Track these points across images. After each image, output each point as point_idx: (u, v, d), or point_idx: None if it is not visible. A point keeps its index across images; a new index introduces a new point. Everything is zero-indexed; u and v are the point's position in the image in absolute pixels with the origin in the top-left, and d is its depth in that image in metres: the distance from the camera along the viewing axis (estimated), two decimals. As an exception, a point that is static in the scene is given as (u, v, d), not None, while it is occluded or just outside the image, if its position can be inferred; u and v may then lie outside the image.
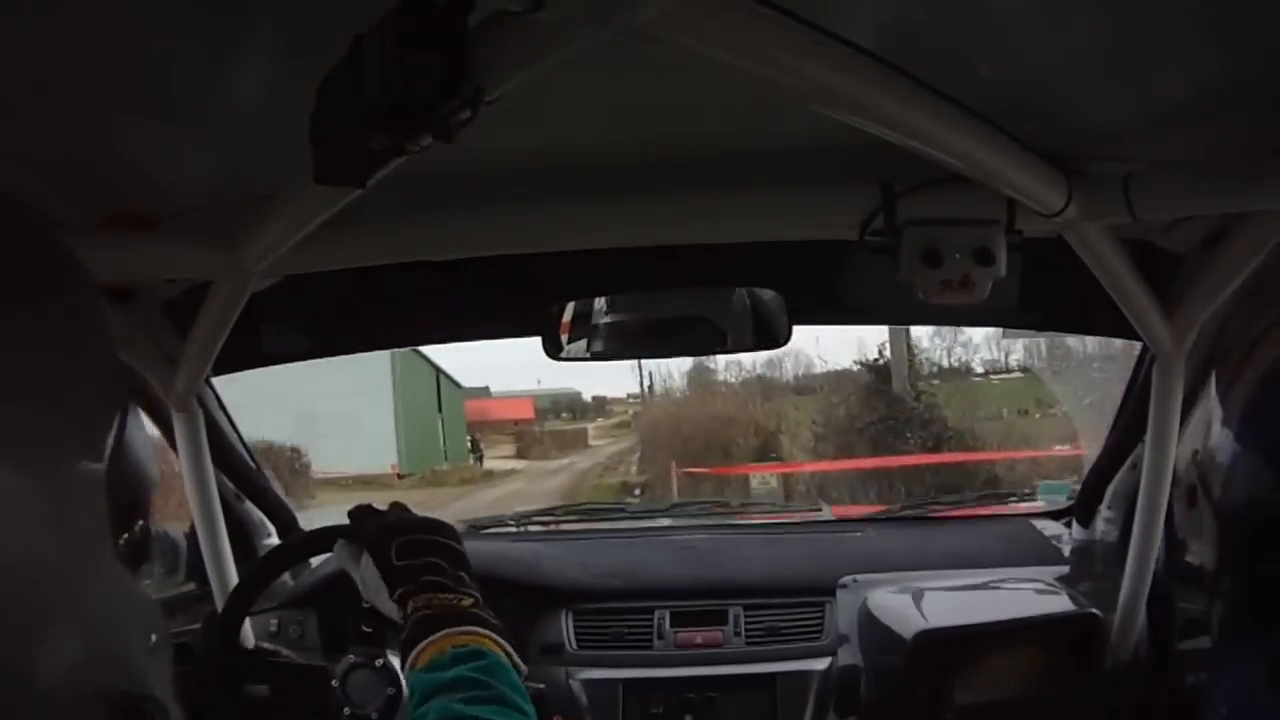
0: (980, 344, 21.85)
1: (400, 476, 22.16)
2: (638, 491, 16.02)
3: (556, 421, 34.17)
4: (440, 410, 27.17)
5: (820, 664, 2.02)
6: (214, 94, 1.14)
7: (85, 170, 1.33)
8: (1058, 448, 10.92)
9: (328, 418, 18.59)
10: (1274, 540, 0.66)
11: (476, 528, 2.66)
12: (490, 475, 24.74)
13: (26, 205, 0.68)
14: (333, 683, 1.71)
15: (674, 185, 1.49)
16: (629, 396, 33.21)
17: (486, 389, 32.42)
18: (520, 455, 28.58)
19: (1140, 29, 1.04)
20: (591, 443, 30.72)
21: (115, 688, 0.61)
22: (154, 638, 0.66)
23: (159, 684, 0.65)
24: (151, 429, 0.74)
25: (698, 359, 20.83)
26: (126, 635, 0.64)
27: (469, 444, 28.37)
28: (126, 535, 0.68)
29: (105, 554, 0.63)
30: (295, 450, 16.30)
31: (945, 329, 18.98)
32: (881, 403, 13.57)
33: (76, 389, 0.64)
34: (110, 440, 0.64)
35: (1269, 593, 0.66)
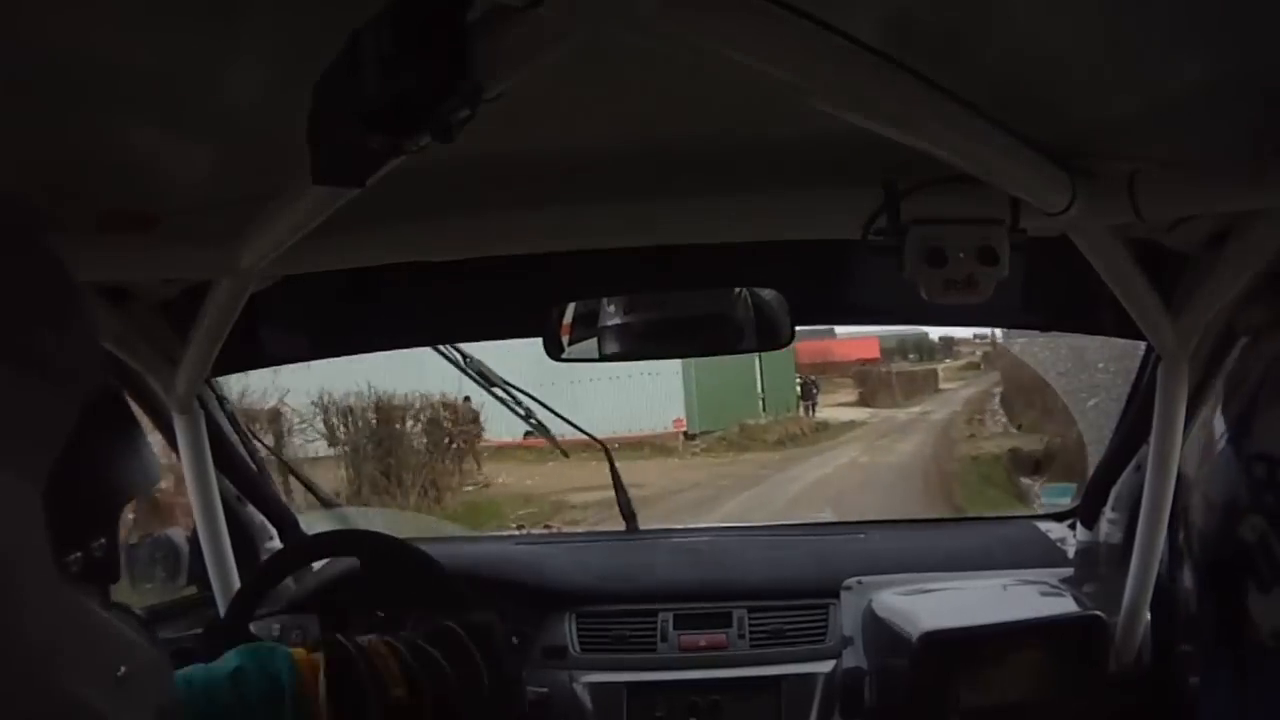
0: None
1: (690, 436, 19.09)
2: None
3: (903, 363, 32.57)
4: (760, 361, 22.83)
5: (825, 666, 2.02)
6: (212, 94, 1.13)
7: (83, 170, 1.33)
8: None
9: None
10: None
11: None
12: (824, 430, 21.60)
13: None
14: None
15: (675, 185, 1.48)
16: (975, 337, 32.48)
17: (830, 329, 28.13)
18: (864, 402, 25.97)
19: (1145, 26, 1.03)
20: (942, 385, 29.44)
21: (54, 714, 0.55)
22: (123, 669, 0.61)
23: (128, 715, 0.60)
24: (127, 439, 0.68)
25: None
26: (77, 667, 0.58)
27: (799, 390, 24.81)
28: (80, 554, 0.62)
29: (38, 575, 0.57)
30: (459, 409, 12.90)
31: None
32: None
33: (13, 406, 0.58)
34: (54, 450, 0.59)
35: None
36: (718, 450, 17.93)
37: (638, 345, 1.97)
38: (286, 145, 1.03)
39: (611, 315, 1.92)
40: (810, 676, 2.01)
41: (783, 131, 1.35)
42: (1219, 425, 0.73)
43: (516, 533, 3.02)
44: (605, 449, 2.86)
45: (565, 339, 1.92)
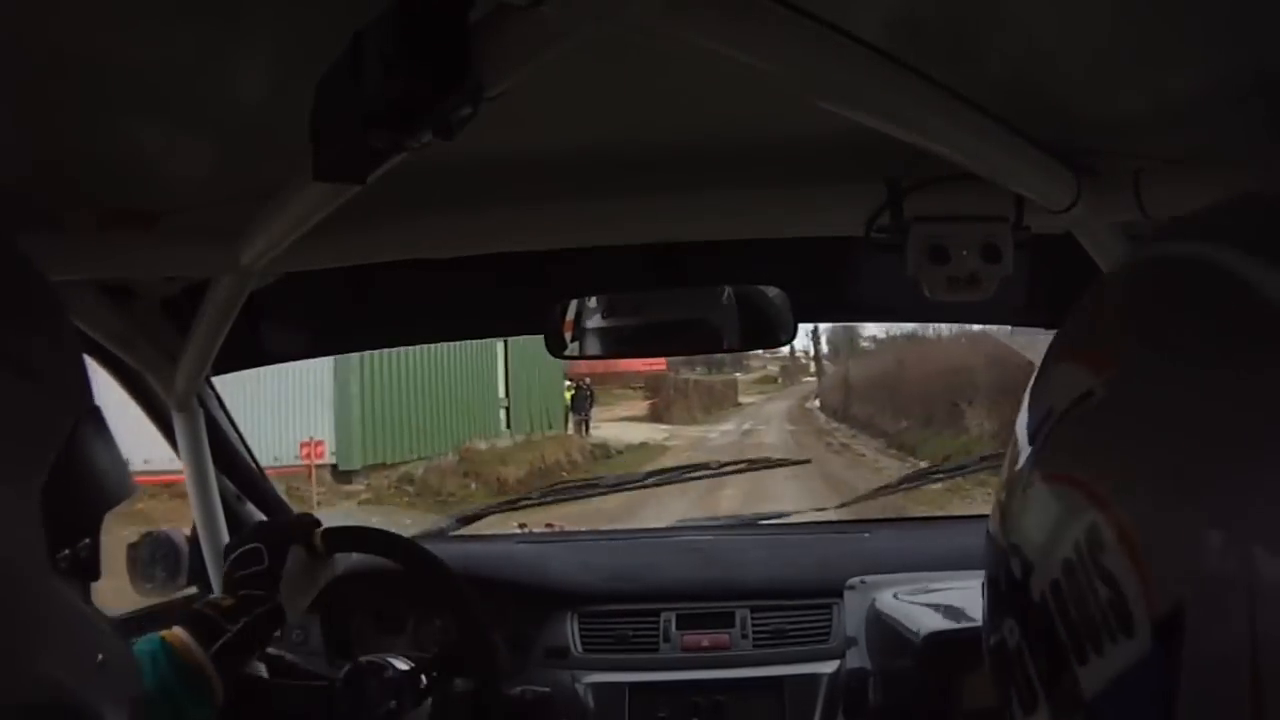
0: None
1: (342, 474, 13.25)
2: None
3: (690, 373, 28.59)
4: (506, 353, 17.50)
5: (828, 667, 2.01)
6: (213, 91, 1.13)
7: (83, 167, 1.33)
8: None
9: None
10: None
11: (466, 520, 2.62)
12: (602, 455, 16.65)
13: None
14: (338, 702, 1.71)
15: (677, 182, 1.48)
16: (765, 352, 31.81)
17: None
18: (656, 417, 21.99)
19: (1150, 24, 1.02)
20: (741, 399, 28.99)
21: (48, 703, 0.60)
22: (101, 657, 0.65)
23: (106, 704, 0.64)
24: (113, 439, 0.72)
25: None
26: (58, 652, 0.62)
27: (568, 399, 20.15)
28: (68, 552, 0.67)
29: (36, 571, 0.62)
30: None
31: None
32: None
33: (17, 403, 0.62)
34: (50, 455, 0.63)
35: None
36: (391, 499, 11.97)
37: (639, 342, 1.97)
38: (288, 143, 1.03)
39: (613, 313, 1.92)
40: (813, 677, 2.00)
41: (785, 128, 1.35)
42: None
43: (518, 531, 3.00)
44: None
45: (567, 335, 1.92)
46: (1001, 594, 0.59)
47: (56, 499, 0.63)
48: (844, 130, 1.15)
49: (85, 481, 0.68)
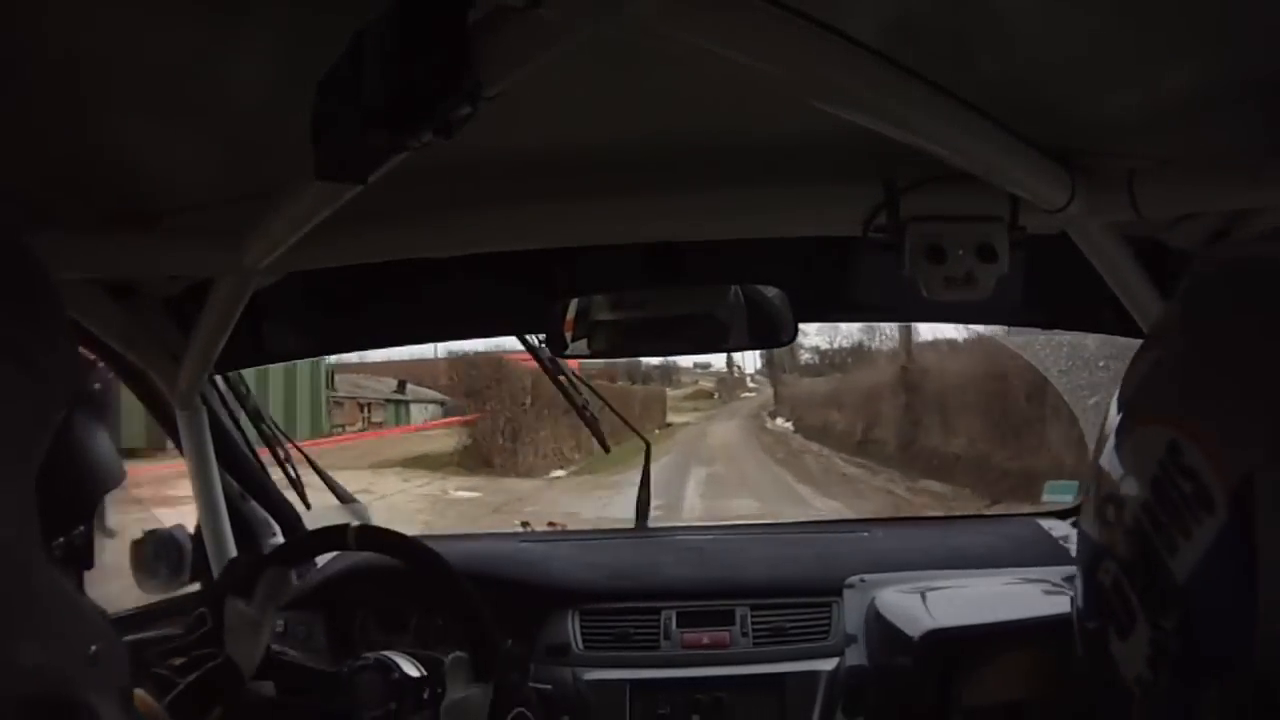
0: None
1: None
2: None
3: (605, 382, 22.02)
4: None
5: (828, 664, 2.01)
6: (215, 91, 1.14)
7: (87, 167, 1.34)
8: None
9: None
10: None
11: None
12: None
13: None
14: (342, 697, 1.72)
15: (676, 182, 1.48)
16: (695, 365, 30.11)
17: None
18: (483, 461, 15.83)
19: (1144, 24, 1.03)
20: (671, 418, 25.67)
21: (34, 692, 0.60)
22: (94, 647, 0.65)
23: (97, 694, 0.64)
24: (104, 439, 0.73)
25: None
26: (54, 640, 0.63)
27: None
28: (63, 539, 0.67)
29: (30, 558, 0.62)
30: None
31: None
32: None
33: (12, 390, 0.62)
34: (44, 444, 0.63)
35: None
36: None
37: (633, 342, 1.98)
38: (290, 143, 1.04)
39: (613, 312, 1.92)
40: (813, 674, 2.00)
41: (783, 129, 1.36)
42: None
43: (520, 530, 3.01)
44: (646, 444, 2.90)
45: (568, 335, 1.92)
46: (1097, 548, 0.69)
47: (51, 488, 0.63)
48: (841, 131, 1.16)
49: (79, 470, 0.68)
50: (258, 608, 1.70)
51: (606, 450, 2.86)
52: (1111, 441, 0.69)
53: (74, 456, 0.67)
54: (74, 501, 0.70)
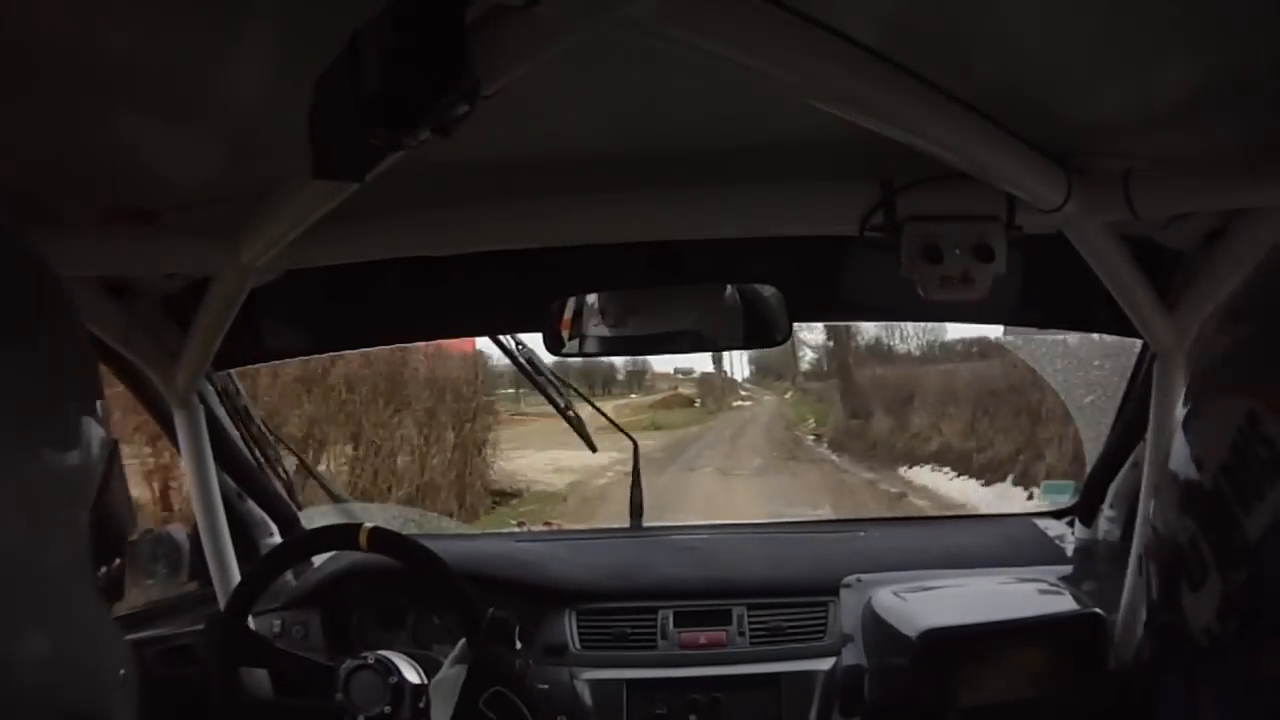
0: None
1: None
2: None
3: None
4: None
5: (824, 664, 2.02)
6: (213, 89, 1.14)
7: (85, 165, 1.34)
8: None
9: None
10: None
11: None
12: None
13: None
14: (337, 695, 1.72)
15: (674, 181, 1.49)
16: (676, 371, 24.15)
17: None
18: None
19: (1140, 25, 1.04)
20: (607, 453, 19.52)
21: (79, 710, 0.63)
22: (122, 672, 0.69)
23: (124, 712, 0.68)
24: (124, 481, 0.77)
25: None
26: (96, 663, 0.66)
27: None
28: (106, 569, 0.70)
29: (85, 581, 0.66)
30: None
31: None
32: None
33: (72, 419, 0.65)
34: (100, 474, 0.66)
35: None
36: None
37: (630, 342, 1.98)
38: (287, 140, 1.04)
39: (609, 311, 1.93)
40: (810, 674, 2.01)
41: (780, 128, 1.36)
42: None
43: (517, 530, 3.02)
44: (634, 443, 2.90)
45: (565, 333, 1.92)
46: (1179, 504, 0.71)
47: (101, 518, 0.66)
48: (838, 130, 1.16)
49: (119, 503, 0.71)
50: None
51: (593, 449, 2.84)
52: (1193, 406, 0.72)
53: (116, 492, 0.70)
54: (116, 533, 0.73)
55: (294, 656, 1.81)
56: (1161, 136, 1.30)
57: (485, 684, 1.62)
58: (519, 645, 1.68)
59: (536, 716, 1.63)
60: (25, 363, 0.61)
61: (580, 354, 1.96)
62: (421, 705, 1.70)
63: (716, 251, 1.72)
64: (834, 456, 15.36)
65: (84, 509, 0.65)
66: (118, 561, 0.73)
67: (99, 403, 0.69)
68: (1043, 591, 2.03)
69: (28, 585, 0.60)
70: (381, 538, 1.76)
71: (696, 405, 23.94)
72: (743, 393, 25.90)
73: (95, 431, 0.66)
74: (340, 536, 1.86)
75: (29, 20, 0.96)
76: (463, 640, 1.70)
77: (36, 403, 0.62)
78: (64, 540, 0.63)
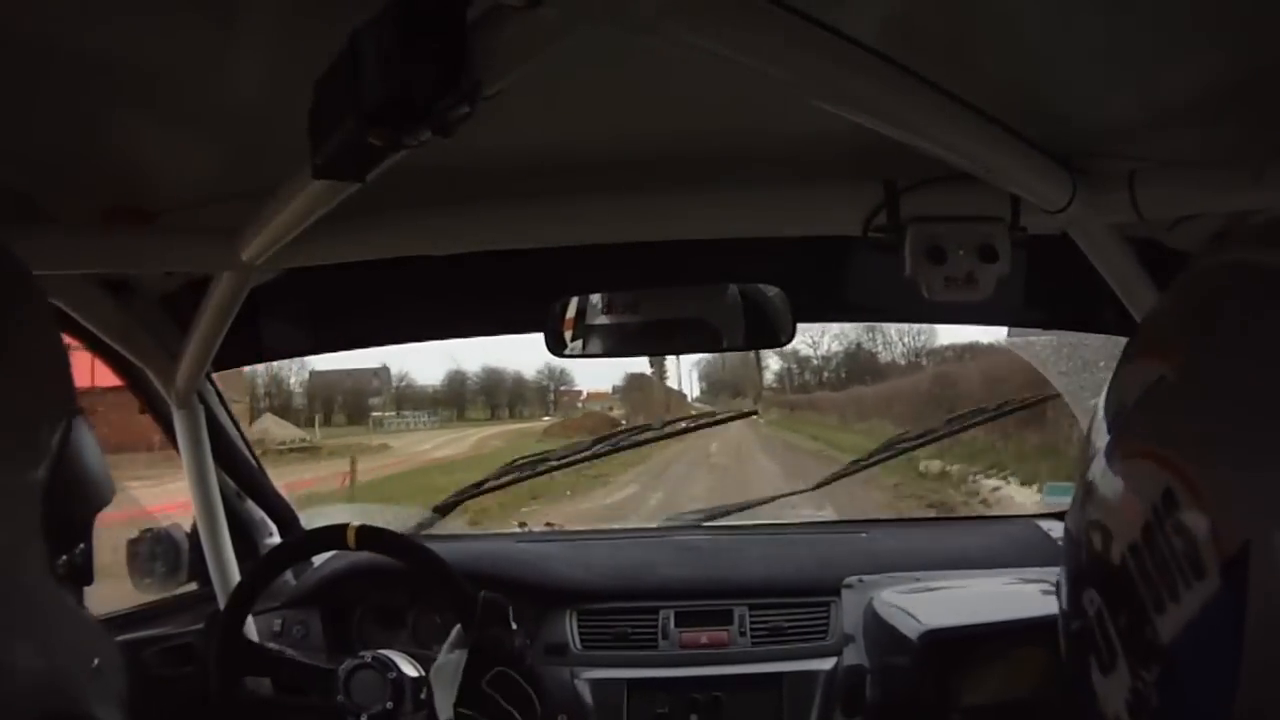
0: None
1: None
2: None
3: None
4: None
5: (826, 664, 2.02)
6: (213, 88, 1.13)
7: (84, 164, 1.34)
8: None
9: None
10: None
11: (441, 511, 2.61)
12: None
13: None
14: (338, 696, 1.71)
15: (676, 181, 1.48)
16: (615, 390, 21.66)
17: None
18: None
19: (1145, 25, 1.03)
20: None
21: (46, 708, 0.61)
22: (96, 661, 0.67)
23: (101, 706, 0.66)
24: (96, 454, 0.74)
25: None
26: (62, 656, 0.64)
27: None
28: (66, 557, 0.68)
29: (37, 571, 0.64)
30: None
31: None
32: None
33: (13, 397, 0.63)
34: (51, 454, 0.64)
35: None
36: None
37: (634, 342, 1.97)
38: (288, 140, 1.03)
39: (612, 311, 1.92)
40: (811, 674, 2.00)
41: (783, 128, 1.35)
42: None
43: (518, 530, 3.01)
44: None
45: (567, 334, 1.92)
46: (1082, 570, 0.68)
47: (54, 505, 0.64)
48: (841, 131, 1.16)
49: (79, 486, 0.69)
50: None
51: None
52: (1102, 460, 0.66)
53: (76, 472, 0.67)
54: (75, 519, 0.70)
55: (293, 662, 1.80)
56: (1167, 138, 1.29)
57: (487, 666, 1.62)
58: (514, 626, 1.68)
59: (540, 693, 1.63)
60: None
61: (583, 354, 1.96)
62: (422, 697, 1.70)
63: (719, 251, 1.72)
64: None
65: (32, 495, 0.62)
66: (80, 547, 0.71)
67: (68, 391, 0.67)
68: (1045, 592, 2.02)
69: None
70: (367, 535, 1.76)
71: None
72: (690, 411, 20.08)
73: (23, 393, 0.63)
74: (329, 537, 1.86)
75: (29, 19, 0.96)
76: (458, 626, 1.70)
77: None
78: (12, 530, 0.61)
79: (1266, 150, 1.25)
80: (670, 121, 1.34)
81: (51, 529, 0.64)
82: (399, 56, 0.85)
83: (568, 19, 0.86)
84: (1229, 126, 1.25)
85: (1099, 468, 0.66)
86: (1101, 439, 0.67)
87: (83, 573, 0.71)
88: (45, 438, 0.64)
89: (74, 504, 0.69)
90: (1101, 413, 0.69)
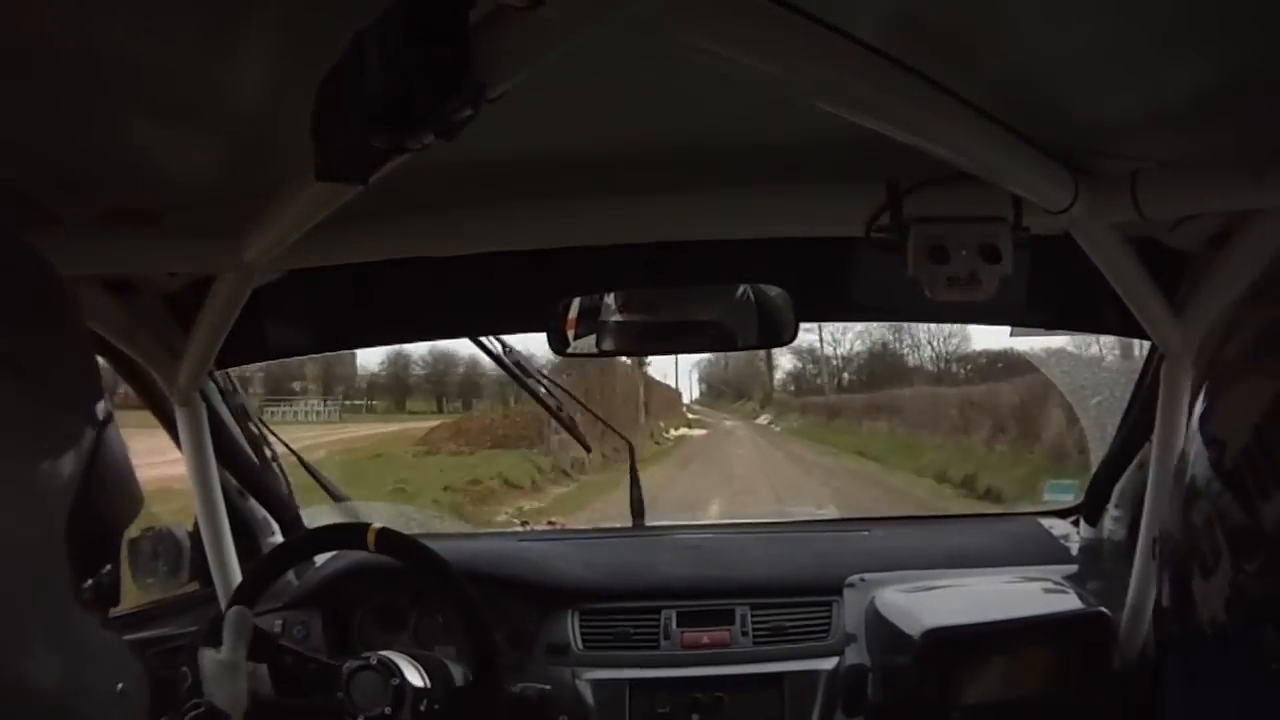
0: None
1: None
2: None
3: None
4: None
5: (827, 663, 2.02)
6: (217, 90, 1.13)
7: (88, 165, 1.34)
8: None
9: None
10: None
11: None
12: None
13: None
14: (338, 694, 1.71)
15: (680, 182, 1.48)
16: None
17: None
18: None
19: (1147, 26, 1.03)
20: None
21: None
22: (120, 685, 0.66)
23: None
24: (125, 466, 0.71)
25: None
26: (86, 679, 0.63)
27: None
28: (93, 580, 0.66)
29: (62, 590, 0.62)
30: None
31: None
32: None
33: (47, 405, 0.62)
34: (83, 461, 0.63)
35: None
36: None
37: (642, 341, 1.98)
38: (291, 142, 1.03)
39: (616, 311, 1.92)
40: (813, 673, 2.00)
41: (786, 129, 1.36)
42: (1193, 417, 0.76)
43: (520, 529, 3.01)
44: (630, 445, 2.89)
45: (570, 334, 1.92)
46: (1195, 486, 0.71)
47: (83, 521, 0.62)
48: (844, 132, 1.16)
49: (108, 498, 0.66)
50: (229, 651, 1.71)
51: (588, 450, 2.83)
52: (1212, 392, 0.72)
53: (106, 483, 0.65)
54: (103, 534, 0.68)
55: (296, 653, 1.80)
56: (1169, 138, 1.30)
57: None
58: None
59: None
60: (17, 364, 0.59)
61: (584, 354, 1.96)
62: (422, 709, 1.70)
63: (721, 252, 1.72)
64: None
65: (58, 517, 0.61)
66: (108, 568, 0.69)
67: (94, 400, 0.65)
68: (1047, 590, 2.03)
69: None
70: (389, 539, 1.76)
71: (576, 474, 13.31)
72: (690, 416, 20.25)
73: (33, 403, 0.61)
74: (347, 536, 1.87)
75: (32, 20, 0.96)
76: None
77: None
78: (31, 556, 0.59)
79: (1267, 150, 1.25)
80: (673, 123, 1.34)
81: (79, 548, 0.62)
82: (402, 58, 0.85)
83: (570, 20, 0.86)
84: (1231, 126, 1.25)
85: (1216, 392, 0.72)
86: (1219, 374, 0.73)
87: (110, 593, 0.69)
88: (77, 447, 0.62)
89: (104, 517, 0.67)
90: (1202, 373, 0.80)
